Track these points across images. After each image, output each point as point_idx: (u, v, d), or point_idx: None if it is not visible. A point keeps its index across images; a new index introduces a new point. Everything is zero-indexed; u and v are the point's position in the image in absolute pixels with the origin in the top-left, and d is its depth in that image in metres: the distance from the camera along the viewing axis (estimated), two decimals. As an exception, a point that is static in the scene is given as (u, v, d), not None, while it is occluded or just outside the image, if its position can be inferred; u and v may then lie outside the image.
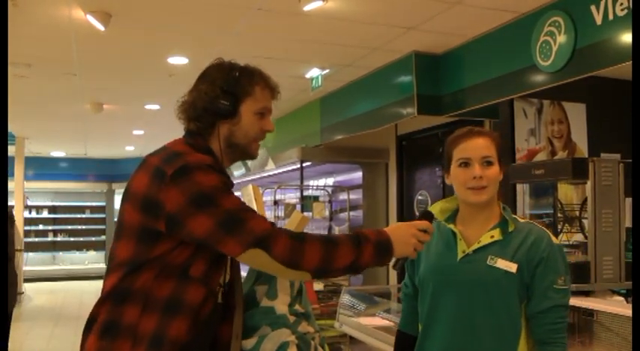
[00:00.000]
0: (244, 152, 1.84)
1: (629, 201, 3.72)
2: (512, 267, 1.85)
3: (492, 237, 1.91)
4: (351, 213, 7.57)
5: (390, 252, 1.69)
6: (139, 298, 1.62)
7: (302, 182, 7.80)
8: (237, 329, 1.79)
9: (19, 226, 11.32)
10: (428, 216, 1.80)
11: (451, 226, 1.98)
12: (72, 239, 15.27)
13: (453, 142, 1.97)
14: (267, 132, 1.86)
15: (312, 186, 8.24)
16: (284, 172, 8.43)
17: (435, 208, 2.02)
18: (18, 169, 11.53)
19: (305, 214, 2.21)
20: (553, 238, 1.94)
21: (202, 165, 1.63)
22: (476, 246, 1.91)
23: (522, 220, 1.97)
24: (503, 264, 1.86)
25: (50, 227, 15.18)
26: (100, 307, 1.66)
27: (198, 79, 1.84)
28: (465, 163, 1.91)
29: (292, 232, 1.62)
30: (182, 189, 1.58)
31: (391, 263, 1.79)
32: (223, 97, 1.75)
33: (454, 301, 1.90)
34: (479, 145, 1.91)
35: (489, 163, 1.90)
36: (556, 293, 1.86)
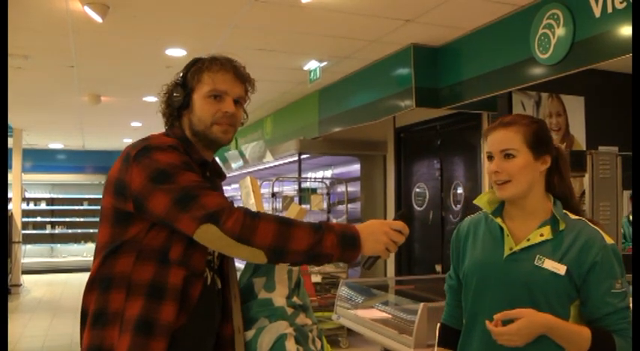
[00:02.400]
0: (206, 137, 1.83)
1: (626, 193, 3.73)
2: (561, 269, 1.76)
3: (542, 235, 1.81)
4: (349, 205, 7.58)
5: (356, 246, 1.65)
6: (122, 283, 1.64)
7: (300, 174, 7.81)
8: (237, 322, 1.79)
9: (17, 218, 11.31)
10: (404, 217, 1.76)
11: (498, 220, 1.90)
12: (70, 231, 15.25)
13: (485, 134, 1.92)
14: (225, 112, 1.82)
15: (310, 178, 8.24)
16: (282, 164, 8.43)
17: (483, 199, 1.95)
18: (16, 161, 11.50)
19: (303, 206, 2.22)
20: (606, 238, 1.80)
21: (163, 145, 1.69)
22: (524, 244, 1.82)
23: (573, 217, 1.85)
24: (550, 265, 1.77)
25: (48, 219, 15.14)
26: (89, 295, 1.69)
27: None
28: (490, 157, 1.86)
29: (248, 210, 1.62)
30: (142, 167, 1.64)
31: (361, 261, 1.77)
32: (175, 90, 1.84)
33: (497, 299, 1.82)
34: (498, 138, 1.84)
35: (509, 156, 1.81)
36: (614, 298, 1.74)
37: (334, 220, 7.76)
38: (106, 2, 4.46)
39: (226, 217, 1.56)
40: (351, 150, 7.81)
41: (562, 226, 1.81)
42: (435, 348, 2.14)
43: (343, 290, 4.34)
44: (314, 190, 7.63)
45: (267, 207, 7.09)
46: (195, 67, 1.85)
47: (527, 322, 1.66)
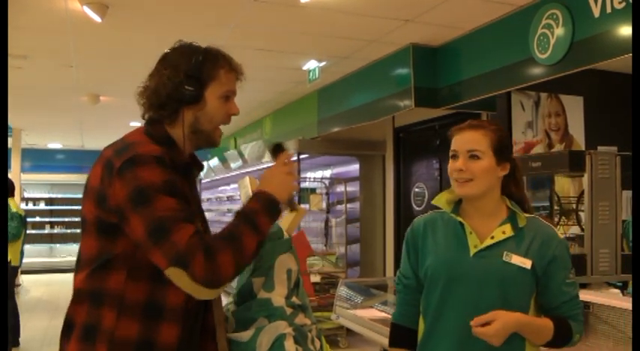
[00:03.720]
0: (209, 138, 1.78)
1: (625, 194, 3.73)
2: (527, 263, 1.86)
3: (504, 233, 1.91)
4: (348, 205, 7.58)
5: (278, 207, 1.69)
6: (114, 301, 1.58)
7: (299, 174, 7.80)
8: (219, 316, 1.78)
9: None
10: (279, 149, 1.83)
11: (459, 218, 1.96)
12: (69, 231, 15.22)
13: (450, 134, 1.99)
14: (233, 115, 1.80)
15: (310, 178, 8.24)
16: (281, 164, 8.42)
17: (441, 199, 2.02)
18: (15, 161, 11.51)
19: (302, 206, 2.22)
20: (559, 234, 1.96)
21: (148, 158, 1.57)
22: (489, 242, 1.90)
23: (527, 215, 1.96)
24: (518, 260, 1.86)
25: (47, 219, 15.13)
26: (77, 307, 1.63)
27: (159, 63, 1.78)
28: (454, 156, 1.94)
29: (205, 245, 1.52)
30: (125, 183, 1.54)
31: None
32: (187, 83, 1.69)
33: (466, 295, 1.88)
34: (465, 139, 1.92)
35: (475, 157, 1.89)
36: (569, 287, 1.91)
37: (333, 221, 7.76)
38: (105, 2, 4.46)
39: (193, 261, 1.48)
40: (350, 150, 7.81)
41: (522, 223, 1.92)
42: (388, 348, 2.14)
43: (342, 290, 4.34)
44: (313, 190, 7.64)
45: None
46: (211, 61, 1.74)
47: (503, 324, 1.77)
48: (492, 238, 1.90)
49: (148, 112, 1.75)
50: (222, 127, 1.81)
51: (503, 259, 1.87)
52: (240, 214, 1.64)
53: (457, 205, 2.01)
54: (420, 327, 2.02)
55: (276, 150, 1.82)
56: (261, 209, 1.65)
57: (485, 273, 1.87)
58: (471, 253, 1.90)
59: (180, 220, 1.53)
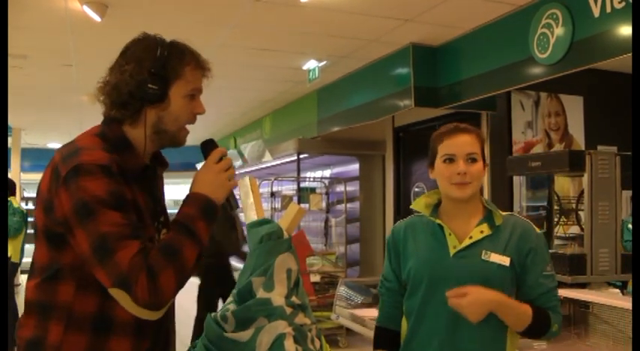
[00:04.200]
0: (173, 139, 1.68)
1: (625, 193, 3.73)
2: (506, 260, 1.90)
3: (482, 232, 1.95)
4: (348, 205, 7.58)
5: (214, 207, 1.60)
6: (62, 314, 1.52)
7: (299, 174, 7.81)
8: (173, 318, 1.77)
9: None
10: (210, 145, 1.71)
11: (438, 220, 2.01)
12: (69, 231, 15.23)
13: (437, 138, 2.02)
14: (198, 114, 1.70)
15: (309, 178, 8.24)
16: (281, 163, 8.43)
17: (420, 203, 2.07)
18: (14, 161, 11.51)
19: (302, 206, 2.22)
20: (536, 228, 2.01)
21: (94, 167, 1.48)
22: (468, 242, 1.94)
23: (504, 213, 2.01)
24: (496, 258, 1.91)
25: (47, 219, 15.13)
26: (26, 320, 1.57)
27: (120, 56, 1.66)
28: (450, 159, 1.95)
29: (147, 264, 1.44)
30: (69, 194, 1.47)
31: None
32: (152, 81, 1.58)
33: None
34: (463, 142, 1.95)
35: (473, 160, 1.94)
36: (546, 279, 1.95)
37: (333, 220, 7.76)
38: (104, 1, 4.46)
39: (135, 284, 1.42)
40: (350, 149, 7.81)
41: (499, 222, 1.96)
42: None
43: (342, 290, 4.34)
44: (313, 190, 7.64)
45: (266, 207, 7.09)
46: (177, 58, 1.63)
47: (477, 296, 1.81)
48: (471, 237, 1.95)
49: (109, 110, 1.65)
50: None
51: (482, 258, 1.91)
52: (177, 223, 1.56)
53: (435, 208, 2.06)
54: (403, 328, 2.06)
55: (207, 147, 1.71)
56: (198, 214, 1.57)
57: (465, 273, 1.91)
58: (451, 254, 1.94)
59: (125, 238, 1.45)
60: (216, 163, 1.65)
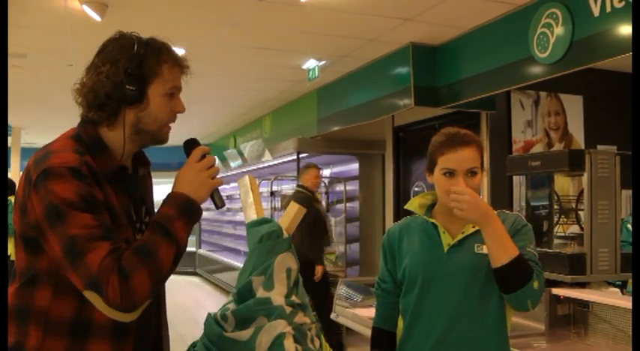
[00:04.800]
0: (154, 138, 1.66)
1: (625, 193, 3.73)
2: None
3: (474, 227, 1.97)
4: (348, 204, 7.58)
5: (195, 207, 1.57)
6: (39, 319, 1.50)
7: (299, 173, 7.80)
8: (164, 318, 1.76)
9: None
10: (192, 144, 1.68)
11: (432, 219, 2.03)
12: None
13: (438, 149, 1.99)
14: (178, 113, 1.68)
15: (309, 177, 8.22)
16: (281, 163, 8.43)
17: (414, 203, 2.11)
18: (14, 160, 11.51)
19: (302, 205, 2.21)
20: (525, 221, 2.04)
21: (63, 170, 1.46)
22: (460, 237, 1.98)
23: (496, 212, 2.02)
24: None
25: (47, 218, 15.14)
26: (8, 326, 1.55)
27: (96, 56, 1.65)
28: (450, 173, 1.95)
29: (118, 264, 1.42)
30: (40, 198, 1.45)
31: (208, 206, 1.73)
32: (128, 82, 1.55)
33: (444, 290, 1.95)
34: (465, 157, 1.94)
35: (473, 174, 1.95)
36: (527, 253, 1.94)
37: (333, 220, 7.76)
38: (104, 1, 4.46)
39: (107, 286, 1.39)
40: (350, 149, 7.81)
41: None
42: None
43: (342, 289, 4.34)
44: (313, 189, 7.62)
45: (265, 206, 7.09)
46: (153, 56, 1.60)
47: (474, 200, 1.83)
48: (463, 233, 1.99)
49: (87, 112, 1.63)
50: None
51: (476, 251, 1.94)
52: (154, 223, 1.53)
53: (430, 208, 2.09)
54: (399, 327, 2.09)
55: (189, 146, 1.68)
56: (176, 214, 1.54)
57: (459, 266, 1.94)
58: (445, 250, 1.98)
59: (95, 239, 1.43)
60: (197, 162, 1.61)
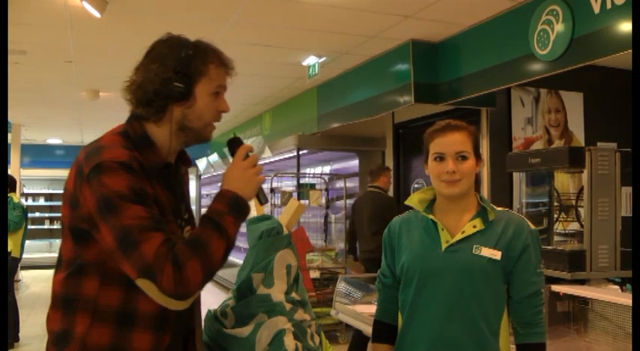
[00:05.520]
0: (199, 136, 1.72)
1: (625, 190, 3.73)
2: (497, 254, 1.93)
3: (475, 227, 1.98)
4: (348, 201, 7.58)
5: (244, 204, 1.63)
6: (87, 307, 1.56)
7: (299, 170, 7.81)
8: (198, 319, 1.78)
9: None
10: (236, 142, 1.75)
11: (431, 216, 2.04)
12: (69, 227, 15.24)
13: (429, 136, 2.04)
14: (223, 112, 1.75)
15: (309, 174, 8.24)
16: (281, 159, 8.43)
17: (413, 199, 2.09)
18: (14, 157, 11.50)
19: (301, 202, 2.21)
20: (531, 225, 2.02)
21: (115, 164, 1.52)
22: (460, 236, 1.97)
23: (499, 209, 2.04)
24: (487, 252, 1.94)
25: (47, 215, 15.13)
26: (53, 313, 1.63)
27: (145, 56, 1.72)
28: (440, 158, 1.98)
29: (172, 254, 1.48)
30: (92, 191, 1.51)
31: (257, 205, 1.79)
32: (176, 79, 1.63)
33: (440, 289, 1.95)
34: (453, 141, 1.97)
35: (464, 158, 1.96)
36: (538, 277, 1.98)
37: (332, 216, 7.77)
38: (104, -3, 4.45)
39: (161, 274, 1.45)
40: (350, 146, 7.81)
41: (492, 217, 1.99)
42: (370, 343, 2.21)
43: (342, 286, 4.34)
44: (312, 186, 7.63)
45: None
46: (200, 56, 1.68)
47: None
48: (463, 232, 1.98)
49: (136, 108, 1.69)
50: (222, 122, 1.78)
51: (473, 252, 1.94)
52: (205, 218, 1.59)
53: (430, 204, 2.09)
54: (398, 321, 2.10)
55: (233, 145, 1.75)
56: (226, 210, 1.60)
57: (456, 266, 1.95)
58: (443, 248, 1.98)
59: (148, 229, 1.49)
60: (242, 160, 1.69)
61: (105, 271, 1.56)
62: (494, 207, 2.03)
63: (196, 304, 1.77)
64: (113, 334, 1.56)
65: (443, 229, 2.00)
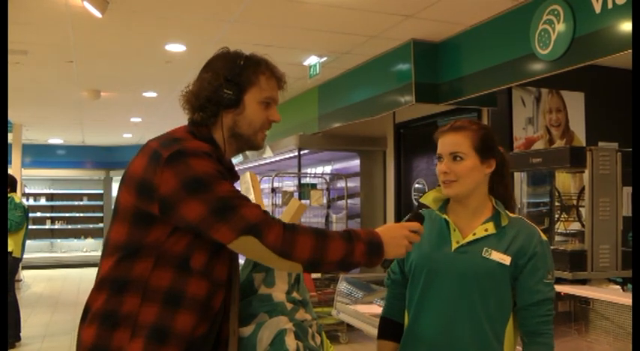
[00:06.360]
0: (249, 142, 1.82)
1: (626, 190, 3.73)
2: (506, 259, 1.92)
3: (486, 230, 1.97)
4: (349, 201, 7.58)
5: (380, 253, 1.69)
6: (138, 287, 1.62)
7: (300, 170, 7.81)
8: (234, 325, 1.79)
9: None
10: (419, 218, 1.85)
11: (444, 215, 2.03)
12: (70, 227, 15.25)
13: (435, 137, 2.06)
14: (274, 122, 1.85)
15: (310, 174, 8.24)
16: (282, 159, 8.44)
17: (428, 197, 2.09)
18: (15, 157, 11.50)
19: (303, 201, 2.21)
20: (542, 235, 2.01)
21: (198, 151, 1.62)
22: (471, 238, 1.97)
23: (512, 215, 2.03)
24: (497, 256, 1.93)
25: (48, 214, 15.13)
26: (97, 294, 1.65)
27: (202, 68, 1.83)
28: (439, 158, 2.01)
29: (285, 222, 1.61)
30: (176, 172, 1.58)
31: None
32: (227, 87, 1.73)
33: (447, 289, 1.95)
34: (448, 142, 1.98)
35: (458, 158, 1.96)
36: (545, 287, 1.95)
37: (334, 216, 7.77)
38: (105, -3, 4.45)
39: (267, 230, 1.56)
40: (351, 145, 7.81)
41: (504, 222, 1.98)
42: (376, 340, 2.21)
43: (343, 286, 4.35)
44: (314, 186, 7.64)
45: (266, 202, 7.10)
46: (253, 67, 1.77)
47: None
48: (474, 234, 1.98)
49: (192, 115, 1.78)
50: None
51: (483, 255, 1.94)
52: (343, 230, 1.68)
53: (444, 203, 2.09)
54: (405, 319, 2.10)
55: (417, 217, 1.86)
56: (366, 240, 1.67)
57: (464, 267, 1.95)
58: (453, 249, 1.98)
59: (245, 199, 1.61)
60: (409, 230, 1.76)
61: (160, 253, 1.63)
62: (509, 213, 2.02)
63: (233, 311, 1.80)
64: (159, 312, 1.61)
65: (455, 230, 2.00)
